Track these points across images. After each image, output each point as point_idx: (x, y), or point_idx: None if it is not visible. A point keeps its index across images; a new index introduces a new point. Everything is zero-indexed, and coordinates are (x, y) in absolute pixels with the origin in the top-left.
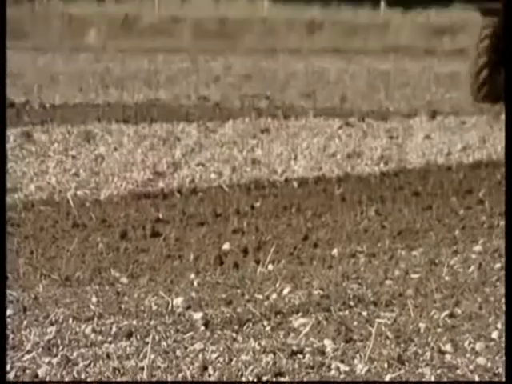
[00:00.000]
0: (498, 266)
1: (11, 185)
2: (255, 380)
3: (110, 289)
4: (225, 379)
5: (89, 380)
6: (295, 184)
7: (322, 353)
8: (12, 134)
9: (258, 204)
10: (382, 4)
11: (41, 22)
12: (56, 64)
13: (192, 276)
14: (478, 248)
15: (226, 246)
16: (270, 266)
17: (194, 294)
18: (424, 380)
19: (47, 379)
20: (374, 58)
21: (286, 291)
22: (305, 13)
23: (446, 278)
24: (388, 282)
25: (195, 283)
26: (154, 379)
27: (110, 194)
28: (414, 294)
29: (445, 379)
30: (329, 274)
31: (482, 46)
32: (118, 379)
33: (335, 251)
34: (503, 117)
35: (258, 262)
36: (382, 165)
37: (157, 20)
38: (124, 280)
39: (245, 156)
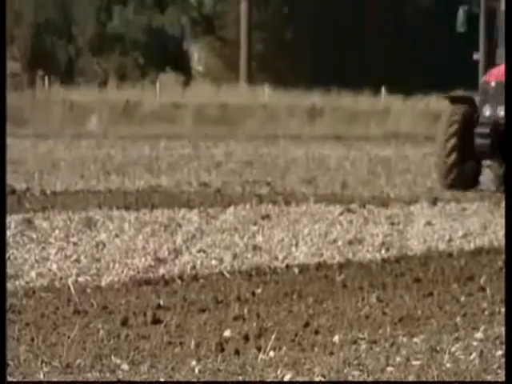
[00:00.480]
0: (499, 353)
1: (12, 271)
2: None
3: (111, 376)
4: None
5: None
6: (296, 270)
7: None
8: (13, 220)
9: (259, 290)
10: (383, 90)
11: (42, 108)
12: (57, 150)
13: (193, 363)
14: (479, 335)
15: (227, 333)
16: (272, 353)
17: (195, 381)
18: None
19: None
20: (374, 144)
21: (287, 378)
22: (305, 99)
23: (448, 365)
24: (389, 368)
25: (196, 370)
26: None
27: (111, 280)
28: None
29: None
30: (330, 360)
31: (449, 133)
32: None
33: (336, 338)
34: (503, 204)
35: (259, 349)
36: (383, 251)
37: (158, 106)
38: (125, 367)
39: (246, 242)
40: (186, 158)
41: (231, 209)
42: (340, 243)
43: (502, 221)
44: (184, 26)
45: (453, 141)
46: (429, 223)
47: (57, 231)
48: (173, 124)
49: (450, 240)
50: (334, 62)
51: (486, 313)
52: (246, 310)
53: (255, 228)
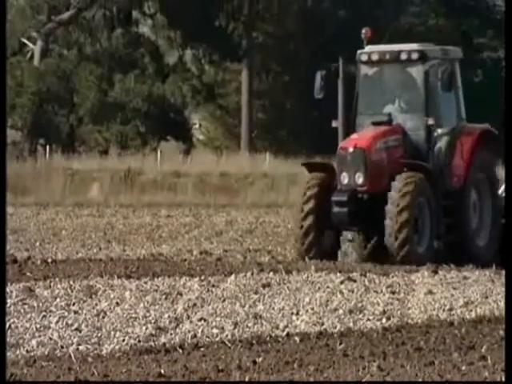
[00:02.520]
0: None
1: (13, 340)
2: None
3: None
4: None
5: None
6: (297, 339)
7: None
8: (14, 289)
9: (260, 359)
10: None
11: (43, 177)
12: (58, 219)
13: None
14: None
15: None
16: None
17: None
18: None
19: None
20: None
21: None
22: None
23: None
24: None
25: None
26: None
27: (112, 349)
28: None
29: None
30: None
31: (305, 199)
32: None
33: None
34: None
35: None
36: (384, 320)
37: (159, 175)
38: None
39: (247, 311)
40: (186, 227)
41: (232, 277)
42: (341, 312)
43: (503, 289)
44: (185, 95)
45: (310, 205)
46: (430, 292)
47: (58, 300)
48: (174, 192)
49: (450, 309)
50: (335, 132)
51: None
52: (247, 379)
53: (256, 296)
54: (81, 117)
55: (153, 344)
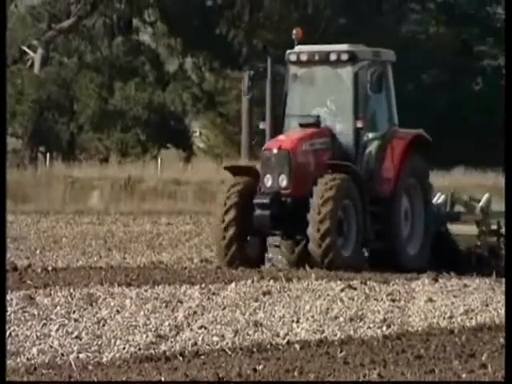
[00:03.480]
0: None
1: (14, 348)
2: None
3: None
4: None
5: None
6: (298, 347)
7: None
8: (14, 297)
9: (260, 367)
10: None
11: (43, 185)
12: (59, 227)
13: None
14: None
15: None
16: None
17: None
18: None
19: None
20: None
21: None
22: None
23: None
24: None
25: None
26: None
27: (112, 357)
28: None
29: None
30: None
31: (227, 206)
32: None
33: None
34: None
35: None
36: (384, 328)
37: (160, 182)
38: None
39: (247, 319)
40: (187, 234)
41: (232, 285)
42: (341, 320)
43: (504, 297)
44: (185, 103)
45: (231, 214)
46: (430, 300)
47: (58, 308)
48: (174, 200)
49: (451, 317)
50: None
51: None
52: None
53: (256, 304)
54: (81, 125)
55: (153, 352)
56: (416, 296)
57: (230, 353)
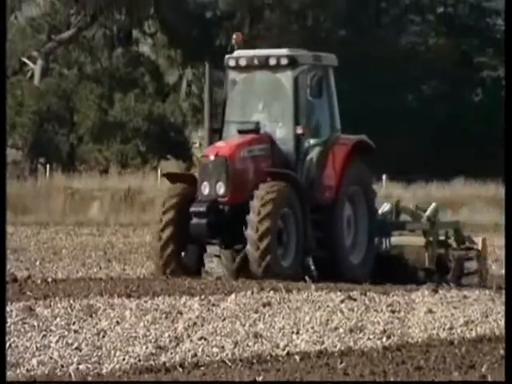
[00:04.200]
0: None
1: (13, 359)
2: None
3: None
4: None
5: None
6: (297, 358)
7: None
8: (14, 308)
9: (260, 378)
10: (384, 178)
11: (43, 196)
12: (58, 238)
13: None
14: None
15: None
16: None
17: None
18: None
19: None
20: None
21: None
22: None
23: None
24: None
25: None
26: None
27: (112, 368)
28: None
29: None
30: None
31: (165, 220)
32: None
33: None
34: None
35: None
36: (384, 339)
37: (159, 193)
38: None
39: (247, 330)
40: None
41: (232, 296)
42: (341, 331)
43: (504, 309)
44: (185, 114)
45: (168, 217)
46: (430, 311)
47: (58, 319)
48: None
49: (451, 328)
50: None
51: None
52: None
53: (256, 315)
54: (81, 136)
55: (153, 363)
56: (416, 307)
57: (229, 364)
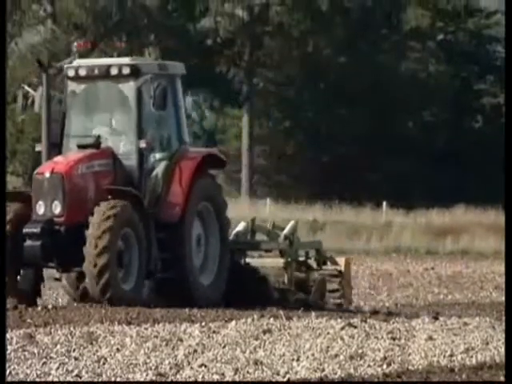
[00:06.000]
0: None
1: None
2: None
3: None
4: None
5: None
6: None
7: None
8: (14, 335)
9: None
10: (384, 204)
11: None
12: None
13: None
14: None
15: None
16: None
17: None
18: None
19: None
20: (376, 258)
21: None
22: (307, 213)
23: None
24: None
25: None
26: None
27: None
28: None
29: None
30: None
31: None
32: None
33: None
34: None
35: None
36: (384, 366)
37: None
38: None
39: (247, 357)
40: None
41: (233, 323)
42: (341, 358)
43: (504, 336)
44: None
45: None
46: (430, 338)
47: (58, 346)
48: None
49: (451, 355)
50: (335, 177)
51: None
52: None
53: (257, 342)
54: None
55: None
56: (416, 334)
57: None
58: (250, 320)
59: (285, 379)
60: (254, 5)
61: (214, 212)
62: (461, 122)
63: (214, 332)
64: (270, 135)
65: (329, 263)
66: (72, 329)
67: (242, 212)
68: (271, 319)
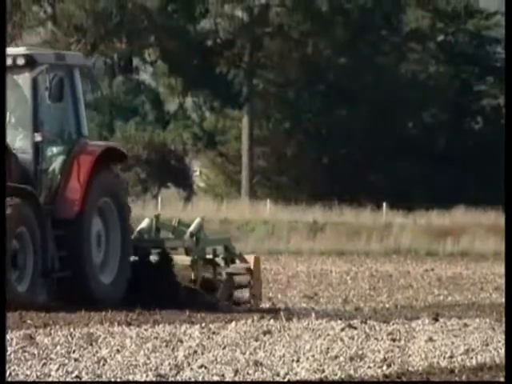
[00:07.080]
0: None
1: None
2: None
3: None
4: None
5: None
6: None
7: None
8: (14, 336)
9: None
10: (384, 206)
11: None
12: None
13: None
14: None
15: None
16: None
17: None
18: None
19: None
20: (376, 259)
21: None
22: (307, 214)
23: None
24: None
25: None
26: None
27: None
28: None
29: None
30: None
31: None
32: None
33: None
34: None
35: None
36: (384, 367)
37: None
38: None
39: (247, 358)
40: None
41: (233, 324)
42: (341, 359)
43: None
44: (185, 142)
45: None
46: (430, 339)
47: (58, 347)
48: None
49: (451, 356)
50: (335, 178)
51: None
52: None
53: (257, 344)
54: None
55: None
56: (416, 335)
57: None
58: (249, 321)
59: (285, 380)
60: (253, 6)
61: (116, 208)
62: (461, 123)
63: (213, 333)
64: (270, 136)
65: (237, 261)
66: (72, 330)
67: (242, 213)
68: (271, 320)
